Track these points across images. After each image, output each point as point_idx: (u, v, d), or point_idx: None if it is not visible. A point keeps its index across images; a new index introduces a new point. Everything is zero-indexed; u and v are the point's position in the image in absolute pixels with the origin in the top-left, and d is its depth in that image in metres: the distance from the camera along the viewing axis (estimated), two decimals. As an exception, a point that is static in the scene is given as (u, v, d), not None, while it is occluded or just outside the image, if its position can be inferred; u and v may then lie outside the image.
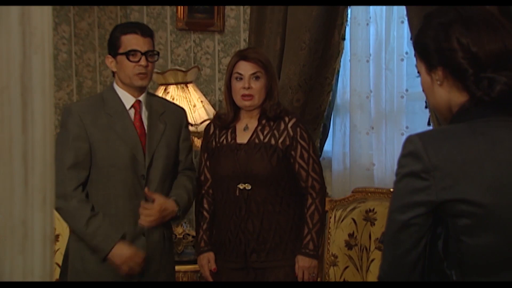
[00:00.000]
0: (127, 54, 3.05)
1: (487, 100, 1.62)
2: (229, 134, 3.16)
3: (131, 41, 3.07)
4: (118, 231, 3.00)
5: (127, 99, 3.09)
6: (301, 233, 3.11)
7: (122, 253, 2.98)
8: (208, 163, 3.23)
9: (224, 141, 3.16)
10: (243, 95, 3.10)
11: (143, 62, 3.05)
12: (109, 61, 3.11)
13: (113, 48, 3.10)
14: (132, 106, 3.09)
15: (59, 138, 3.02)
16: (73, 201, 2.96)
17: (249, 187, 3.08)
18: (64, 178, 2.95)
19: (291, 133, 3.09)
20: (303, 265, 3.09)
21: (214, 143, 3.19)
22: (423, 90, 1.79)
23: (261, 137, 3.11)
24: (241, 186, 3.10)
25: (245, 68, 3.10)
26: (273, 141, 3.09)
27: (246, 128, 3.16)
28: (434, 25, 1.69)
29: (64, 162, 2.96)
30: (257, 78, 3.09)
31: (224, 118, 3.19)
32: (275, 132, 3.10)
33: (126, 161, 3.02)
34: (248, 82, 3.09)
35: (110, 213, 3.01)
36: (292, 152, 3.09)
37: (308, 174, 3.11)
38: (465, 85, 1.66)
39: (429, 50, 1.70)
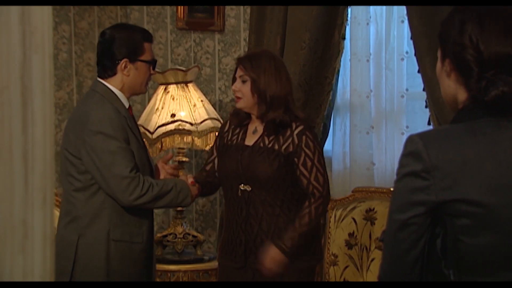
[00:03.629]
0: (153, 63, 3.04)
1: (482, 100, 1.63)
2: (240, 134, 3.19)
3: (151, 50, 3.05)
4: (170, 180, 3.09)
5: (125, 102, 3.03)
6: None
7: (192, 189, 3.12)
8: (216, 159, 3.27)
9: (234, 141, 3.19)
10: (235, 96, 3.16)
11: (153, 72, 3.08)
12: (123, 65, 2.97)
13: (134, 53, 2.98)
14: (128, 108, 3.06)
15: (105, 146, 2.88)
16: (155, 189, 2.94)
17: (249, 189, 3.09)
18: (131, 180, 2.88)
19: (296, 141, 3.08)
20: (274, 256, 3.01)
21: (225, 140, 3.22)
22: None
23: (266, 142, 3.12)
24: (242, 187, 3.11)
25: (237, 71, 3.15)
26: (276, 146, 3.09)
27: (255, 131, 3.18)
28: (454, 19, 1.70)
29: (125, 166, 2.89)
30: (243, 81, 3.12)
31: (240, 114, 3.20)
32: (280, 138, 3.10)
33: (145, 162, 3.03)
34: (237, 84, 3.13)
35: (132, 212, 2.99)
36: (295, 159, 3.08)
37: (309, 182, 3.09)
38: (467, 82, 1.66)
39: (444, 40, 1.72)
